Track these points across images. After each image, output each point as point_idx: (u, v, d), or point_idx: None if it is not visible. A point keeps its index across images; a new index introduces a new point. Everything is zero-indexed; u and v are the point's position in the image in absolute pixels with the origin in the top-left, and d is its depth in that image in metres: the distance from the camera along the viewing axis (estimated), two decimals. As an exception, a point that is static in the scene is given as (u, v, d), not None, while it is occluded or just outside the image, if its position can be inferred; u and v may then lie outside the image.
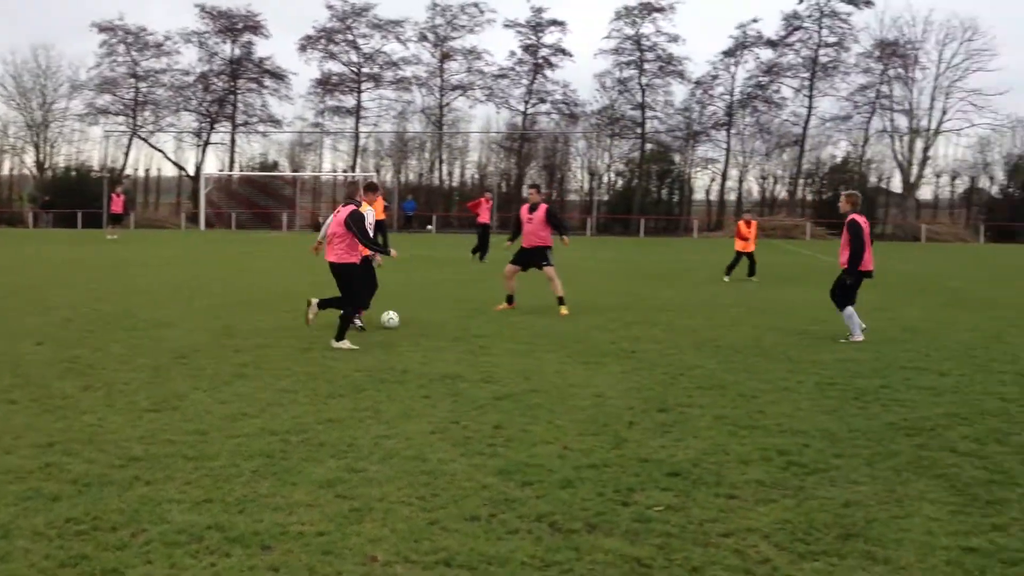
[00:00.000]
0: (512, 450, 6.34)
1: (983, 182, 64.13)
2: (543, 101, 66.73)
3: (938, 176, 64.90)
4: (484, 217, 27.97)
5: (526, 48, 65.38)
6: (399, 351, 10.33)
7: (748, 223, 22.32)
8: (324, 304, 11.06)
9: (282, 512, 4.99)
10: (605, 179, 68.41)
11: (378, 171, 64.91)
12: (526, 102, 66.33)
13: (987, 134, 63.12)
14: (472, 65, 65.27)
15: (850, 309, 11.69)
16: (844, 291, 11.80)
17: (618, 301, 16.05)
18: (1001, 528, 4.90)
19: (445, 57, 64.07)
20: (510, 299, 14.62)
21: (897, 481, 5.71)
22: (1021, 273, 24.95)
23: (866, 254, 11.71)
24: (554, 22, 64.84)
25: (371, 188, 12.29)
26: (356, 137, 65.50)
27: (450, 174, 69.56)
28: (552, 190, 65.19)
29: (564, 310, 13.97)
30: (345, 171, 64.01)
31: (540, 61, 65.52)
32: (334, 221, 11.10)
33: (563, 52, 65.34)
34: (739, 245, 22.04)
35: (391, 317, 12.20)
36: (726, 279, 21.07)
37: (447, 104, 66.08)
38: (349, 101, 65.54)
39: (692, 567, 4.38)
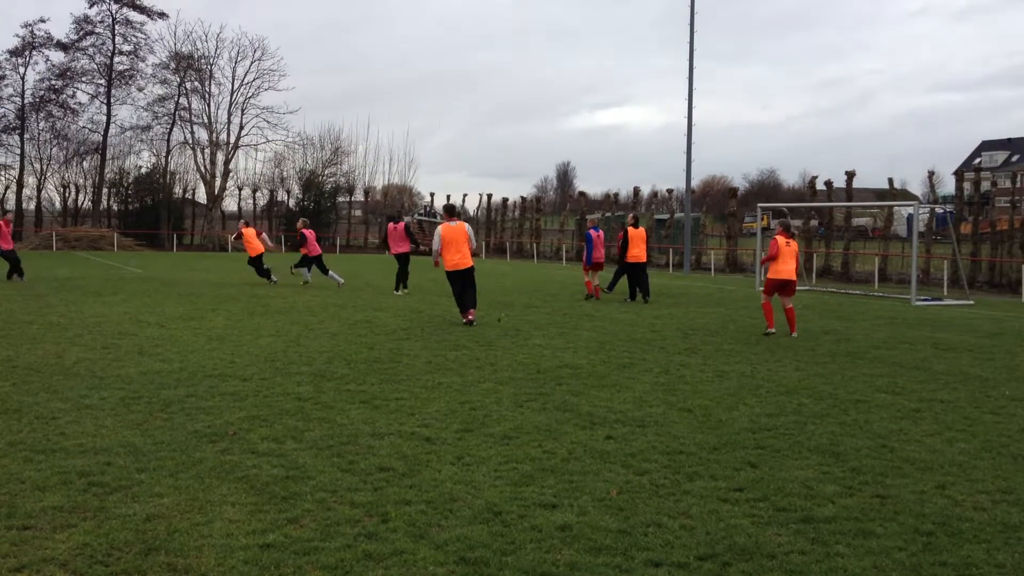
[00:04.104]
0: None
1: (281, 195, 68.42)
2: None
3: (240, 189, 67.66)
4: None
5: None
6: None
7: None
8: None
9: None
10: None
11: None
12: None
13: (281, 150, 67.64)
14: None
15: None
16: None
17: None
18: (295, 520, 5.25)
19: None
20: None
21: (200, 488, 5.82)
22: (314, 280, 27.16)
23: None
24: None
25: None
26: None
27: None
28: None
29: None
30: None
31: None
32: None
33: None
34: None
35: None
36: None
37: None
38: None
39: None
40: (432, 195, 70.90)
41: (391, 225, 22.72)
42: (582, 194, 59.30)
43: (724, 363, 11.68)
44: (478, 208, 67.21)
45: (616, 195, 56.30)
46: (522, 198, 63.40)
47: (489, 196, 64.31)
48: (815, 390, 9.85)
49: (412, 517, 5.34)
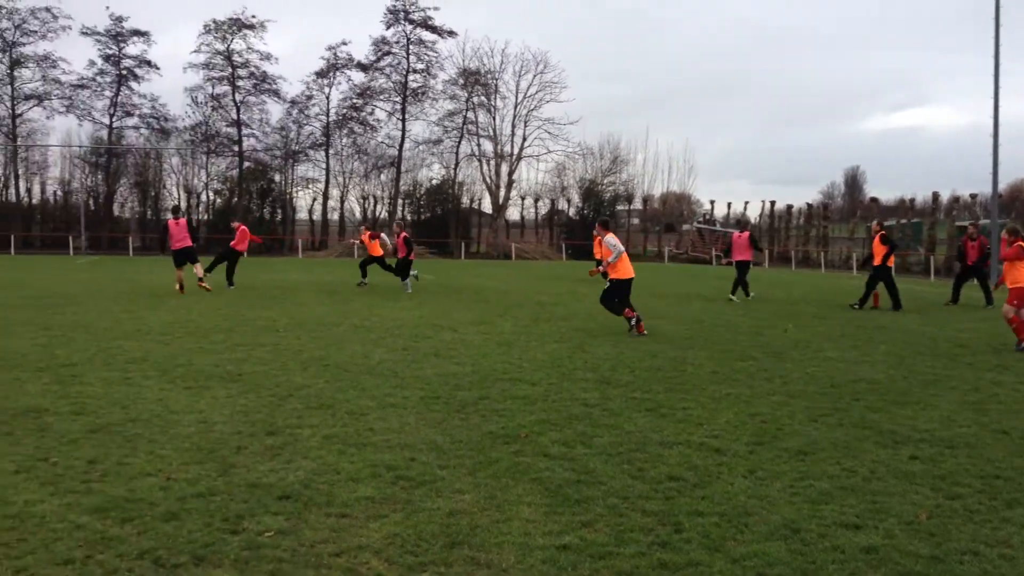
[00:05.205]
0: (109, 485, 5.88)
1: (562, 204, 70.06)
2: (130, 115, 63.68)
3: (523, 198, 70.05)
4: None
5: (107, 58, 61.93)
6: (-30, 384, 9.23)
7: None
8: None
9: None
10: (203, 197, 66.27)
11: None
12: (111, 115, 62.81)
13: (562, 160, 69.35)
14: (47, 73, 60.59)
15: None
16: None
17: (221, 323, 15.52)
18: (589, 524, 5.32)
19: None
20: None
21: (497, 487, 6.03)
22: (595, 287, 27.47)
23: None
24: (137, 32, 62.29)
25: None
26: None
27: (29, 191, 63.94)
28: (146, 208, 62.46)
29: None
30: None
31: (124, 72, 62.37)
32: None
33: (149, 64, 62.99)
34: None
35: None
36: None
37: (20, 115, 60.61)
38: None
39: (304, 591, 4.31)
40: (712, 203, 70.07)
41: (736, 234, 24.13)
42: (873, 200, 56.38)
43: (1043, 382, 10.66)
44: (760, 215, 65.57)
45: (912, 200, 53.04)
46: (808, 205, 61.27)
47: (772, 203, 62.61)
48: None
49: (706, 529, 5.26)
